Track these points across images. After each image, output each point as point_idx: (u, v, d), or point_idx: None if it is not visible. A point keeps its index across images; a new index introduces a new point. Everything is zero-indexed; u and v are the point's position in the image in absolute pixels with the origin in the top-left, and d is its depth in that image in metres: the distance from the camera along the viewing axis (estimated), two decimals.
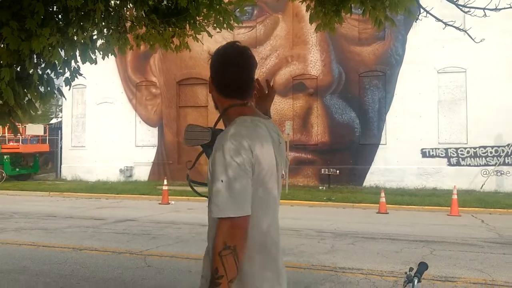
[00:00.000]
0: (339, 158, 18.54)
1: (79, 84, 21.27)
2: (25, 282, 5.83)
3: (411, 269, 2.31)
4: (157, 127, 21.29)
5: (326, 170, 18.36)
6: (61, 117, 26.91)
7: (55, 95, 2.91)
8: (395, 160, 17.90)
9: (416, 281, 2.22)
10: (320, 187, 18.04)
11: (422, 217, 12.07)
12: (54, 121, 32.67)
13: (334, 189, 17.44)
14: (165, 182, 15.44)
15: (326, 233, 9.35)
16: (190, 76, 20.65)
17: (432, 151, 17.78)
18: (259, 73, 19.55)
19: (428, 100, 17.62)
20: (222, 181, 1.64)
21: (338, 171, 18.15)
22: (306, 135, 19.25)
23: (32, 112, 2.76)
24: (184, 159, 20.47)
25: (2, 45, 2.41)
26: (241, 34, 19.57)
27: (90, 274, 6.20)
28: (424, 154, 17.86)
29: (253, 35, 19.74)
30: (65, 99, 4.99)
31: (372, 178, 18.26)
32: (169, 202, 14.70)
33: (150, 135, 21.33)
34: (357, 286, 5.74)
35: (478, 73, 16.98)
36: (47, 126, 25.49)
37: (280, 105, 19.20)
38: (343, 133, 18.68)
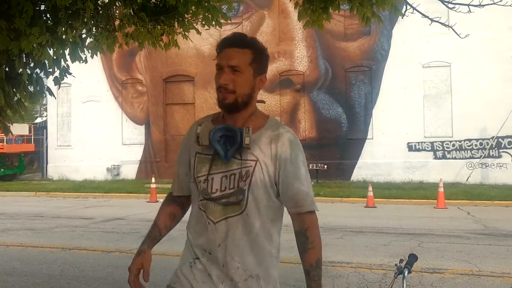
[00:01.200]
0: (327, 153, 18.65)
1: (64, 83, 20.78)
2: (14, 283, 5.78)
3: (401, 260, 2.35)
4: (144, 125, 21.18)
5: (314, 165, 18.43)
6: (46, 116, 26.61)
7: (44, 95, 2.90)
8: (382, 154, 18.05)
9: (406, 272, 2.26)
10: None
11: (409, 210, 12.22)
12: (38, 120, 32.28)
13: (322, 184, 17.53)
14: (153, 180, 15.40)
15: None
16: (177, 73, 20.58)
17: (418, 145, 17.98)
18: None
19: (414, 94, 17.79)
20: (306, 179, 1.82)
21: (326, 166, 18.25)
22: (293, 131, 19.22)
23: (22, 111, 2.75)
24: (171, 157, 20.40)
25: None
26: (227, 31, 19.41)
27: (80, 274, 6.17)
28: (410, 148, 18.04)
29: (239, 32, 19.72)
30: (55, 98, 4.94)
31: (360, 173, 18.41)
32: (157, 200, 14.63)
33: (137, 133, 21.21)
34: (347, 279, 5.80)
35: (463, 67, 17.19)
36: (32, 125, 25.19)
37: (267, 101, 19.21)
38: (330, 128, 18.79)
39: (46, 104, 23.99)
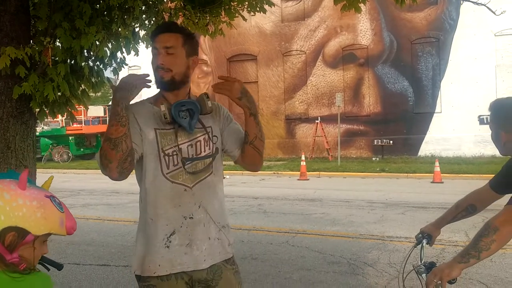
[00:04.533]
0: (393, 128, 18.30)
1: (135, 66, 22.02)
2: (93, 252, 6.38)
3: (423, 232, 2.41)
4: None
5: (379, 141, 18.21)
6: None
7: (105, 84, 3.25)
8: (451, 128, 17.44)
9: (424, 242, 2.33)
10: (374, 158, 17.94)
11: (479, 186, 11.60)
12: None
13: (387, 160, 17.30)
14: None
15: (377, 204, 9.43)
16: (240, 52, 20.88)
17: None
18: (309, 45, 19.47)
19: (485, 65, 16.93)
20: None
21: (391, 142, 17.95)
22: (357, 106, 19.07)
23: (85, 100, 3.13)
24: None
25: (57, 44, 2.76)
26: (288, 7, 19.49)
27: None
28: (482, 121, 17.22)
29: (301, 8, 19.59)
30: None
31: (427, 148, 17.93)
32: (225, 176, 15.13)
33: None
34: (403, 253, 5.82)
35: None
36: (107, 107, 26.66)
37: (330, 77, 19.07)
38: (396, 102, 18.37)
39: None
